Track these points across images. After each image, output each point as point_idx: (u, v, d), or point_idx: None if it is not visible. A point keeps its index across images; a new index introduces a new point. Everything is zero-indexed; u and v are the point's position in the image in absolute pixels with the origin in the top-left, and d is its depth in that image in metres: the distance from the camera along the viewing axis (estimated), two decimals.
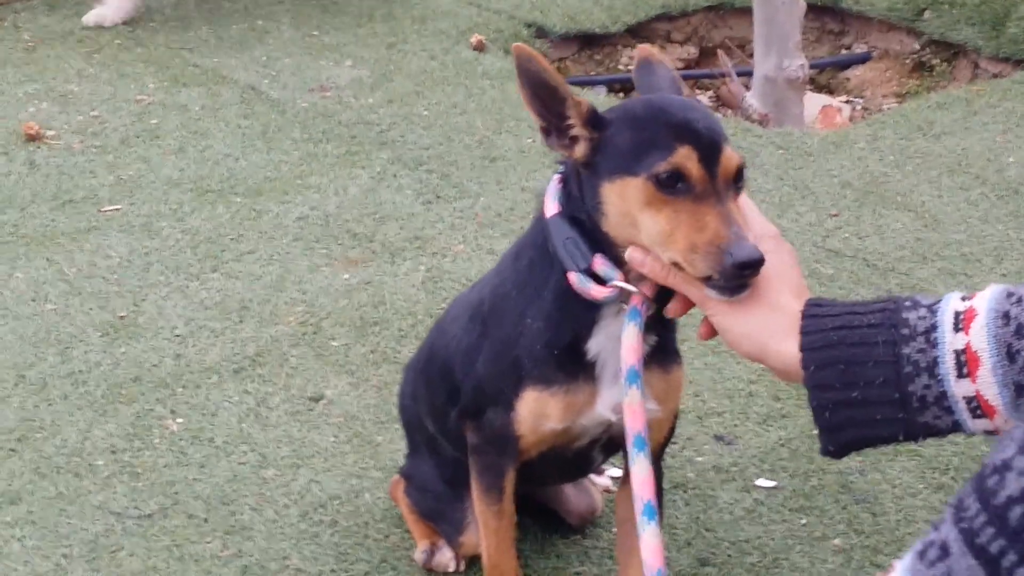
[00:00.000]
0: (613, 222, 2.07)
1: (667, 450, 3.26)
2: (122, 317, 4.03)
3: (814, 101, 6.52)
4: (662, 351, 2.34)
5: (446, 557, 2.94)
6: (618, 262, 2.13)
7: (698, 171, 1.95)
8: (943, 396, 1.50)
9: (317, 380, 3.68)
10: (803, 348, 1.61)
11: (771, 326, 1.74)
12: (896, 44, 7.01)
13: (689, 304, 2.03)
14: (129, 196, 4.87)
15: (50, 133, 5.43)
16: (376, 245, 4.43)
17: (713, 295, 1.88)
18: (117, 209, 4.77)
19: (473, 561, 2.90)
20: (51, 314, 4.06)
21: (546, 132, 2.11)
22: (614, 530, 2.97)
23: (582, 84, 6.24)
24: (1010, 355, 1.44)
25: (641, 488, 2.07)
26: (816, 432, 1.71)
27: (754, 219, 1.95)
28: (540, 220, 2.28)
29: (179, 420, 3.52)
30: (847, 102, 6.81)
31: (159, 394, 3.63)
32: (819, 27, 7.28)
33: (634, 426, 2.09)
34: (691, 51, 7.20)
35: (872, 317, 1.58)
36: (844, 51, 7.28)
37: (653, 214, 1.98)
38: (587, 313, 2.26)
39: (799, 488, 3.19)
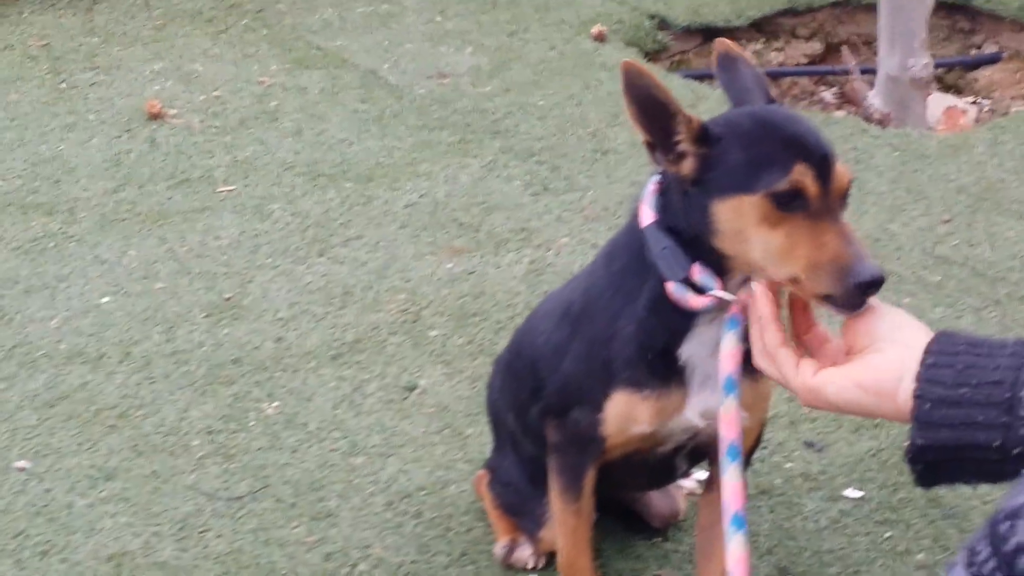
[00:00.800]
0: (724, 238, 2.06)
1: (756, 455, 3.27)
2: (228, 299, 4.09)
3: (939, 101, 6.41)
4: (751, 363, 2.33)
5: (525, 553, 2.95)
6: (716, 271, 2.13)
7: (815, 188, 1.95)
8: None
9: (413, 369, 3.71)
10: (928, 349, 1.58)
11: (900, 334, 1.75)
12: None
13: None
14: (244, 178, 4.94)
15: (172, 112, 5.53)
16: (481, 235, 4.45)
17: (831, 310, 1.88)
18: (231, 190, 4.84)
19: (552, 558, 2.91)
20: (160, 293, 4.14)
21: (652, 147, 2.09)
22: (696, 534, 2.97)
23: (702, 77, 6.19)
24: None
25: (732, 498, 2.06)
26: (909, 430, 1.66)
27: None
28: (635, 225, 2.27)
29: (275, 404, 3.57)
30: (974, 103, 6.68)
31: (257, 377, 3.69)
32: (949, 25, 7.15)
33: (728, 435, 2.08)
34: (816, 47, 7.11)
35: (1007, 339, 1.57)
36: (974, 50, 7.15)
37: (769, 231, 1.97)
38: (682, 320, 2.26)
39: (886, 500, 3.15)
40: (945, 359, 1.55)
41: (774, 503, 3.15)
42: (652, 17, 6.74)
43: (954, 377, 1.53)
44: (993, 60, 6.96)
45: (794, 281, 1.94)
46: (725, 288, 2.13)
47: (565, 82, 5.76)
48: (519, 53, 6.21)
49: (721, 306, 2.13)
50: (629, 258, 2.31)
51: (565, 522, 2.63)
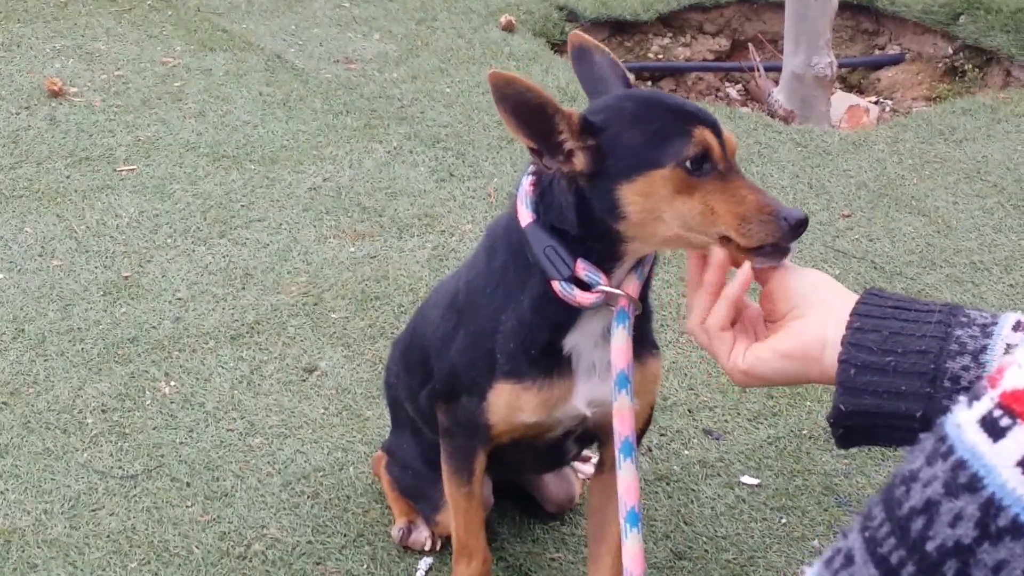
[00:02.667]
0: (635, 220, 2.03)
1: (655, 441, 3.28)
2: (126, 277, 4.04)
3: (843, 100, 6.48)
4: (638, 342, 2.33)
5: (422, 536, 2.95)
6: (602, 263, 2.12)
7: (718, 148, 1.97)
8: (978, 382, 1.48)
9: (313, 351, 3.68)
10: (855, 312, 1.56)
11: (825, 295, 1.72)
12: (929, 47, 6.96)
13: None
14: (145, 157, 4.88)
15: (73, 90, 5.44)
16: (385, 220, 4.43)
17: (764, 263, 1.87)
18: (132, 169, 4.78)
19: (448, 540, 2.90)
20: (56, 270, 4.08)
21: (538, 153, 2.05)
22: (587, 517, 2.97)
23: None
24: None
25: (627, 494, 2.05)
26: (834, 394, 1.65)
27: None
28: (513, 222, 2.24)
29: (172, 383, 3.53)
30: (876, 103, 6.76)
31: (154, 356, 3.65)
32: (853, 26, 7.22)
33: (623, 431, 2.07)
34: (722, 43, 7.15)
35: (933, 305, 1.57)
36: (877, 51, 7.23)
37: (686, 200, 1.96)
38: (566, 315, 2.25)
39: (783, 487, 3.18)
40: (871, 323, 1.55)
41: (672, 489, 3.16)
42: (561, 8, 6.74)
43: (880, 343, 1.53)
44: (896, 61, 7.04)
45: (724, 240, 1.93)
46: (610, 279, 2.12)
47: (472, 70, 5.75)
48: (427, 41, 6.19)
49: (609, 300, 2.12)
50: (509, 255, 2.29)
51: (457, 504, 2.62)
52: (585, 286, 2.13)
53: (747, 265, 1.85)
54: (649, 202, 2.00)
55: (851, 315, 1.57)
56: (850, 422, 1.58)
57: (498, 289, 2.33)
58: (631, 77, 2.20)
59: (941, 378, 1.48)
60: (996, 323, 1.48)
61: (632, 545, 2.03)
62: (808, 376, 1.69)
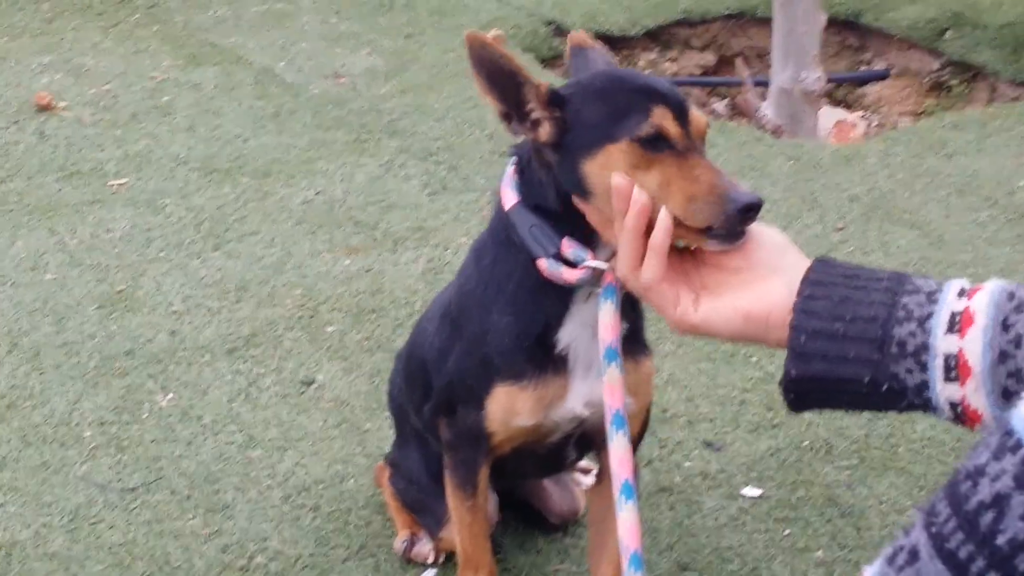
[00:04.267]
0: (599, 195, 2.01)
1: (655, 453, 3.28)
2: (120, 291, 4.02)
3: (829, 115, 6.50)
4: (632, 341, 2.32)
5: (425, 549, 2.93)
6: (587, 242, 2.11)
7: (675, 128, 1.94)
8: (924, 348, 1.46)
9: (310, 364, 3.67)
10: (805, 279, 1.57)
11: (777, 259, 1.70)
12: (916, 63, 6.99)
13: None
14: (136, 171, 4.86)
15: (62, 104, 5.43)
16: (379, 233, 4.42)
17: (714, 245, 1.84)
18: (123, 183, 4.76)
19: (452, 555, 2.88)
20: (49, 284, 4.06)
21: (507, 118, 2.06)
22: (589, 528, 2.96)
23: None
24: (1004, 325, 1.42)
25: (620, 466, 2.02)
26: (785, 359, 1.61)
27: None
28: (499, 215, 2.25)
29: (169, 396, 3.51)
30: (863, 118, 6.78)
31: (151, 369, 3.63)
32: (839, 41, 7.25)
33: (613, 404, 2.04)
34: (709, 58, 7.18)
35: (882, 273, 1.57)
36: (863, 67, 7.26)
37: (641, 174, 1.93)
38: (557, 301, 2.24)
39: (785, 499, 3.17)
40: (821, 290, 1.55)
41: (674, 500, 3.16)
42: (548, 23, 6.76)
43: (830, 309, 1.53)
44: (882, 76, 7.07)
45: (676, 220, 1.92)
46: (596, 258, 2.09)
47: (462, 85, 5.74)
48: (415, 55, 6.19)
49: (596, 277, 2.10)
50: (497, 249, 2.29)
51: (462, 518, 2.61)
52: (572, 265, 2.12)
53: (664, 211, 1.82)
54: (609, 176, 1.97)
55: (801, 282, 1.57)
56: (801, 387, 1.58)
57: (488, 287, 2.32)
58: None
59: (888, 344, 1.48)
60: (941, 290, 1.49)
61: (628, 517, 1.98)
62: (765, 340, 1.67)
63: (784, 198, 4.78)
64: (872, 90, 7.04)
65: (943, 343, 1.45)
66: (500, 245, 2.27)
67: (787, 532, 3.06)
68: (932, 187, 4.91)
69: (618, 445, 2.01)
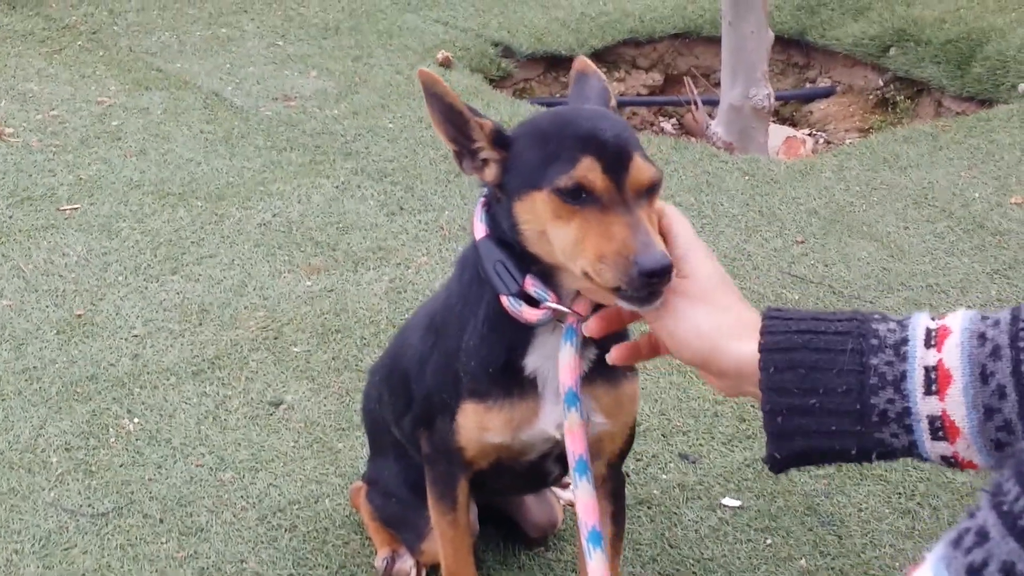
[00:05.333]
0: (530, 239, 2.00)
1: (632, 466, 3.25)
2: (79, 316, 3.96)
3: (778, 132, 6.52)
4: (608, 365, 2.29)
5: (407, 565, 2.89)
6: (549, 281, 2.08)
7: (602, 181, 1.88)
8: (906, 413, 1.44)
9: (277, 385, 3.62)
10: (763, 348, 1.52)
11: (723, 326, 1.64)
12: (860, 80, 7.04)
13: (611, 324, 1.95)
14: (88, 196, 4.80)
15: (8, 131, 5.35)
16: (339, 254, 4.38)
17: (624, 306, 1.81)
18: (76, 208, 4.70)
19: (434, 570, 2.85)
20: (6, 310, 3.99)
21: (459, 156, 2.05)
22: (577, 543, 2.94)
23: (551, 104, 6.20)
24: (983, 376, 1.39)
25: (585, 514, 1.99)
26: (765, 440, 1.60)
27: (686, 229, 1.87)
28: (472, 242, 2.23)
29: (136, 420, 3.46)
30: (810, 135, 6.81)
31: (115, 393, 3.57)
32: (784, 59, 7.29)
33: (575, 450, 2.01)
34: (656, 78, 7.19)
35: (840, 325, 1.51)
36: (809, 84, 7.30)
37: (562, 226, 1.91)
38: (521, 332, 2.21)
39: (764, 509, 3.15)
40: (783, 359, 1.51)
41: (654, 513, 3.13)
42: (496, 45, 6.75)
43: (798, 383, 1.50)
44: (827, 94, 7.11)
45: (586, 276, 1.89)
46: (559, 297, 2.06)
47: (413, 105, 5.72)
48: (365, 77, 6.16)
49: (557, 317, 2.08)
50: (473, 271, 2.27)
51: (443, 532, 2.57)
52: (535, 302, 2.09)
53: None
54: (535, 223, 1.96)
55: (760, 351, 1.53)
56: (786, 464, 1.56)
57: (465, 307, 2.30)
58: (612, 102, 2.18)
59: (868, 415, 1.46)
60: (907, 341, 1.46)
61: (597, 566, 1.97)
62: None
63: (742, 213, 4.79)
64: (818, 107, 7.08)
65: (924, 406, 1.43)
66: (475, 269, 2.25)
67: (769, 542, 3.05)
68: (888, 199, 4.93)
69: (583, 492, 1.98)
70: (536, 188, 1.93)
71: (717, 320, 1.65)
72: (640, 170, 1.90)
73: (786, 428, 1.51)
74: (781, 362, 1.51)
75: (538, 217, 1.95)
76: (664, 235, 1.83)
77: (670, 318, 1.69)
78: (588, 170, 1.88)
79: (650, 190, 1.91)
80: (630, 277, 1.77)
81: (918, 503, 3.17)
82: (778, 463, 1.56)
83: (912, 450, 1.47)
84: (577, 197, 1.89)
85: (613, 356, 1.89)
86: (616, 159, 1.90)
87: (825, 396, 1.48)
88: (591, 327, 1.95)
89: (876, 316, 1.50)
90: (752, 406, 3.52)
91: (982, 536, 1.09)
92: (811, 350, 1.50)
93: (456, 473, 2.48)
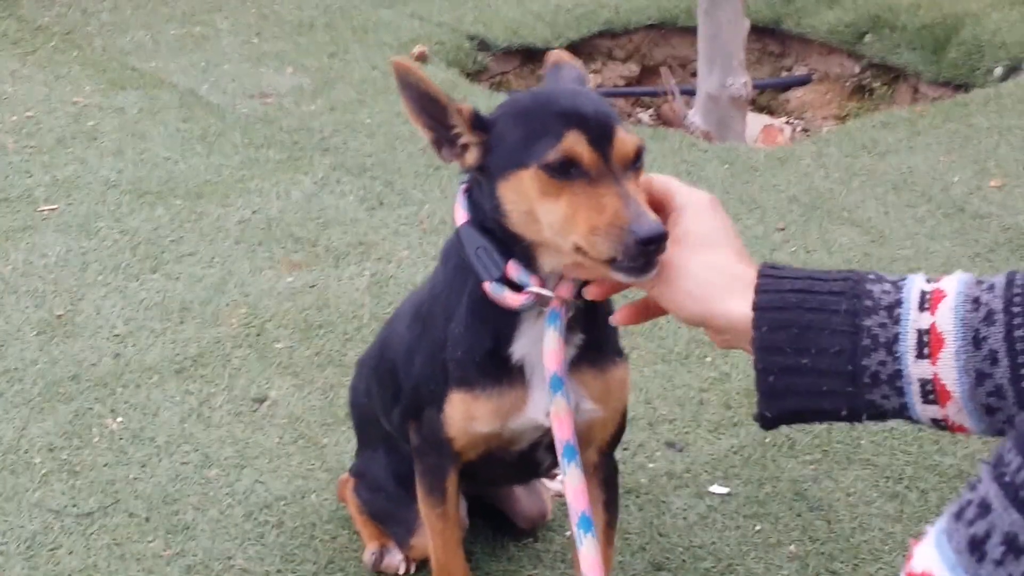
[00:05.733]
0: (515, 220, 1.99)
1: (618, 456, 3.23)
2: (59, 316, 3.93)
3: (755, 121, 6.53)
4: (596, 350, 2.26)
5: (396, 559, 2.88)
6: (532, 266, 2.07)
7: (589, 154, 1.88)
8: (897, 375, 1.43)
9: (261, 381, 3.60)
10: (757, 307, 1.51)
11: (716, 284, 1.62)
12: (837, 67, 7.04)
13: (612, 287, 1.94)
14: (66, 196, 4.77)
15: None
16: (320, 249, 4.37)
17: (620, 277, 1.80)
18: (54, 209, 4.67)
19: (423, 564, 2.84)
20: None
21: (437, 145, 2.04)
22: (567, 533, 2.93)
23: None
24: (976, 341, 1.39)
25: (575, 499, 1.98)
26: (756, 398, 1.59)
27: (681, 189, 1.85)
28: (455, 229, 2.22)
29: (119, 419, 3.44)
30: (787, 123, 6.82)
31: (98, 393, 3.55)
32: (760, 48, 7.29)
33: (562, 435, 2.00)
34: (632, 69, 7.19)
35: (834, 285, 1.50)
36: (785, 73, 7.31)
37: (551, 202, 1.91)
38: (506, 319, 2.19)
39: (752, 495, 3.15)
40: (777, 317, 1.50)
41: (642, 502, 3.13)
42: (472, 38, 6.74)
43: (791, 342, 1.49)
44: (804, 82, 7.12)
45: (578, 250, 1.88)
46: (543, 282, 2.06)
47: (391, 100, 5.70)
48: (341, 73, 6.14)
49: (541, 302, 2.07)
50: (457, 259, 2.25)
51: (433, 526, 2.56)
52: (518, 288, 2.08)
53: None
54: (522, 202, 1.96)
55: (754, 310, 1.53)
56: (776, 422, 1.55)
57: (451, 295, 2.29)
58: (588, 84, 2.17)
59: (860, 376, 1.46)
60: (901, 303, 1.45)
61: (588, 552, 1.96)
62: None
63: (723, 201, 4.73)
64: (795, 95, 7.09)
65: (915, 369, 1.42)
66: (459, 256, 2.23)
67: (758, 528, 3.04)
68: (868, 185, 4.93)
69: (572, 477, 1.97)
70: (522, 166, 1.93)
71: (709, 279, 1.63)
72: (624, 141, 1.90)
73: (777, 387, 1.50)
74: (774, 321, 1.51)
75: (525, 196, 1.94)
76: (659, 199, 1.82)
77: (663, 284, 1.68)
78: (575, 143, 1.88)
79: (635, 161, 1.90)
80: (626, 246, 1.77)
81: (906, 486, 3.17)
82: (768, 421, 1.55)
83: (903, 412, 1.46)
84: (565, 172, 1.88)
85: (618, 317, 1.87)
86: (600, 132, 1.90)
87: (817, 356, 1.47)
88: (592, 291, 1.94)
89: (871, 276, 1.49)
90: (738, 393, 3.52)
91: (984, 508, 1.08)
92: (804, 309, 1.50)
93: (446, 465, 2.46)
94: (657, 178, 1.88)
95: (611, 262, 1.81)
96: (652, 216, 1.79)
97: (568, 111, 1.93)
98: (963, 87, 6.27)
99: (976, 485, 1.11)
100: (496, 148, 1.99)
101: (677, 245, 1.70)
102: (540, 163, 1.89)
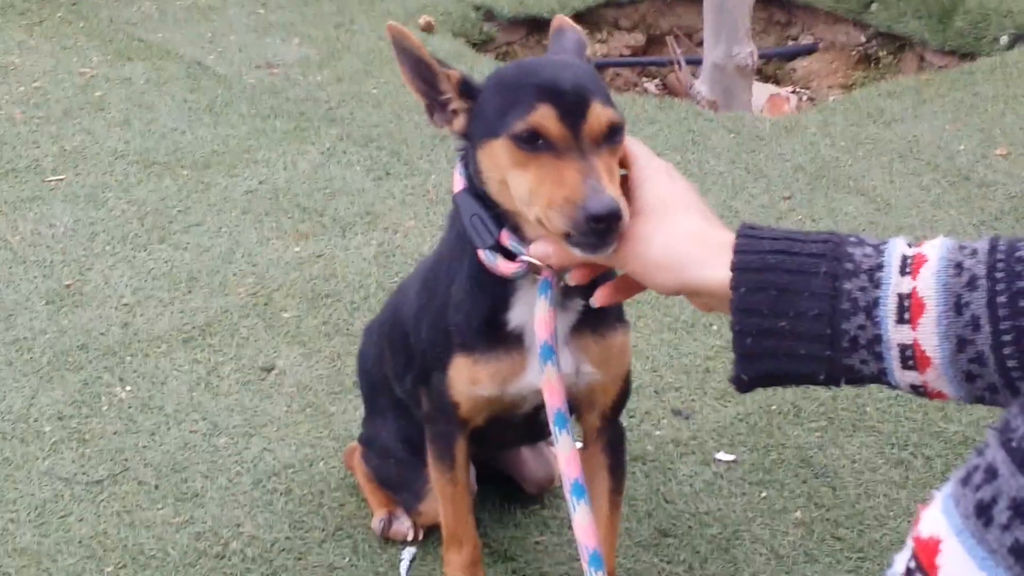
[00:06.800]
0: (493, 189, 1.99)
1: (624, 423, 3.25)
2: (68, 286, 3.95)
3: (761, 91, 6.52)
4: (597, 316, 2.28)
5: (404, 526, 2.90)
6: (519, 234, 2.05)
7: (557, 128, 1.87)
8: (876, 340, 1.41)
9: (268, 351, 3.62)
10: (735, 268, 1.48)
11: (687, 252, 1.60)
12: (842, 36, 7.03)
13: (591, 270, 1.90)
14: (74, 167, 4.78)
15: None
16: (327, 219, 4.38)
17: (576, 253, 1.80)
18: (61, 179, 4.68)
19: (431, 530, 2.86)
20: None
21: (430, 110, 2.04)
22: None
23: None
24: (958, 307, 1.37)
25: (567, 466, 1.97)
26: (733, 360, 1.56)
27: (639, 160, 1.82)
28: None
29: (128, 388, 3.45)
30: (793, 92, 6.81)
31: (107, 362, 3.57)
32: (766, 17, 7.28)
33: (553, 403, 2.00)
34: (638, 38, 7.18)
35: (814, 247, 1.48)
36: (790, 42, 7.29)
37: (520, 172, 1.91)
38: (503, 286, 2.21)
39: (758, 462, 3.16)
40: (755, 279, 1.48)
41: (648, 469, 3.14)
42: (478, 8, 6.73)
43: (770, 304, 1.46)
44: (810, 51, 7.11)
45: (540, 223, 1.88)
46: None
47: (397, 71, 5.61)
48: (347, 44, 6.14)
49: (533, 271, 2.08)
50: (459, 225, 2.27)
51: (443, 491, 2.58)
52: (512, 256, 2.09)
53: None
54: (496, 171, 1.96)
55: (732, 270, 1.50)
56: (753, 384, 1.54)
57: (452, 262, 2.31)
58: (587, 51, 2.18)
59: (839, 340, 1.43)
60: (882, 267, 1.42)
61: (581, 519, 1.96)
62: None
63: (729, 170, 4.79)
64: (801, 64, 7.07)
65: (895, 334, 1.40)
66: (459, 223, 2.25)
67: (764, 495, 3.06)
68: (874, 154, 4.93)
69: (563, 446, 1.96)
70: (495, 136, 1.93)
71: (680, 247, 1.61)
72: (597, 116, 1.88)
73: (754, 350, 1.48)
74: (752, 282, 1.48)
75: (498, 165, 1.94)
76: (627, 169, 1.82)
77: (632, 258, 1.67)
78: (543, 117, 1.87)
79: (610, 136, 1.88)
80: (576, 222, 1.76)
81: (911, 453, 3.18)
82: (744, 384, 1.53)
83: (881, 377, 1.44)
84: (532, 143, 1.88)
85: (597, 298, 1.87)
86: (573, 106, 1.88)
87: (796, 319, 1.45)
88: (575, 276, 1.94)
89: (852, 239, 1.47)
90: None
91: (991, 473, 1.09)
92: (783, 271, 1.47)
93: (454, 431, 2.48)
94: (629, 141, 1.88)
95: (567, 237, 1.81)
96: (610, 193, 1.77)
97: (545, 83, 1.92)
98: (969, 56, 6.25)
99: (983, 450, 1.11)
100: (478, 115, 2.00)
101: (640, 216, 1.68)
102: (508, 133, 1.90)
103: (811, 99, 6.71)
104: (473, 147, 2.01)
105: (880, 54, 6.79)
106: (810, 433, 3.26)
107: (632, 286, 1.79)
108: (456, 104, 2.02)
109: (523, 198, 1.92)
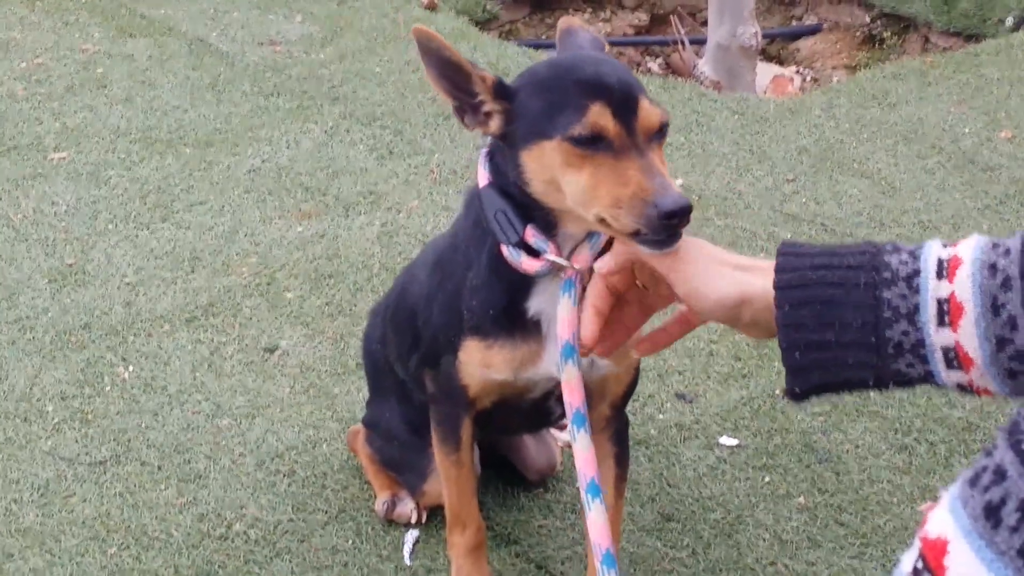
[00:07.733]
0: (538, 189, 2.00)
1: (628, 407, 3.25)
2: (70, 264, 3.94)
3: (765, 71, 6.51)
4: None
5: (407, 508, 2.89)
6: (549, 230, 2.08)
7: (614, 126, 1.89)
8: (920, 344, 1.45)
9: (272, 331, 3.62)
10: (778, 286, 1.54)
11: (732, 264, 1.67)
12: (847, 16, 7.01)
13: (661, 340, 1.94)
14: (76, 144, 4.77)
15: None
16: (329, 199, 4.37)
17: (645, 251, 1.79)
18: (63, 157, 4.67)
19: (435, 512, 2.86)
20: None
21: (460, 112, 2.04)
22: (578, 484, 2.94)
23: (538, 47, 6.18)
24: (995, 308, 1.40)
25: (584, 466, 2.00)
26: (784, 374, 1.62)
27: None
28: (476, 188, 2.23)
29: (131, 368, 3.45)
30: (797, 73, 6.80)
31: (109, 341, 3.56)
32: None
33: (573, 402, 2.02)
34: (642, 17, 7.16)
35: (852, 259, 1.53)
36: (795, 22, 7.28)
37: (574, 173, 1.91)
38: (523, 277, 2.20)
39: (762, 447, 3.16)
40: (799, 295, 1.53)
41: (651, 453, 3.14)
42: None
43: (814, 318, 1.51)
44: (814, 31, 7.09)
45: (602, 222, 1.89)
46: (559, 247, 2.07)
47: (400, 49, 5.69)
48: (350, 21, 6.12)
49: (556, 269, 2.08)
50: (478, 213, 2.27)
51: (447, 473, 2.58)
52: (535, 252, 2.09)
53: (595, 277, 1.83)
54: (544, 172, 1.97)
55: (775, 288, 1.55)
56: (805, 397, 1.58)
57: (470, 247, 2.30)
58: (606, 48, 2.17)
59: (884, 347, 1.47)
60: (919, 272, 1.47)
61: (596, 518, 1.99)
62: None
63: (733, 152, 4.78)
64: (805, 45, 7.06)
65: (938, 338, 1.44)
66: (478, 212, 2.24)
67: (767, 479, 3.06)
68: (878, 136, 4.92)
69: (581, 445, 1.99)
70: (546, 137, 1.93)
71: (725, 259, 1.68)
72: (649, 113, 1.91)
73: (804, 363, 1.53)
74: (796, 299, 1.53)
75: (547, 166, 1.95)
76: None
77: (682, 262, 1.70)
78: (599, 116, 1.89)
79: (659, 132, 1.92)
80: (648, 219, 1.78)
81: (915, 439, 3.18)
82: (798, 396, 1.58)
83: (928, 379, 1.49)
84: (589, 143, 1.89)
85: (640, 350, 1.91)
86: (624, 103, 1.91)
87: (841, 330, 1.50)
88: (642, 348, 1.95)
89: (888, 247, 1.51)
90: (747, 344, 3.53)
91: (999, 475, 1.09)
92: (825, 285, 1.52)
93: (460, 413, 2.48)
94: None
95: (635, 235, 1.81)
96: (676, 188, 1.82)
97: (592, 81, 1.94)
98: (974, 37, 6.24)
99: (992, 451, 1.11)
100: (519, 117, 2.00)
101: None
102: (564, 135, 1.90)
103: (815, 80, 6.69)
104: (514, 148, 2.01)
105: (884, 35, 6.77)
106: (814, 418, 3.26)
107: (683, 327, 1.84)
108: (490, 106, 2.02)
109: (579, 198, 1.92)
